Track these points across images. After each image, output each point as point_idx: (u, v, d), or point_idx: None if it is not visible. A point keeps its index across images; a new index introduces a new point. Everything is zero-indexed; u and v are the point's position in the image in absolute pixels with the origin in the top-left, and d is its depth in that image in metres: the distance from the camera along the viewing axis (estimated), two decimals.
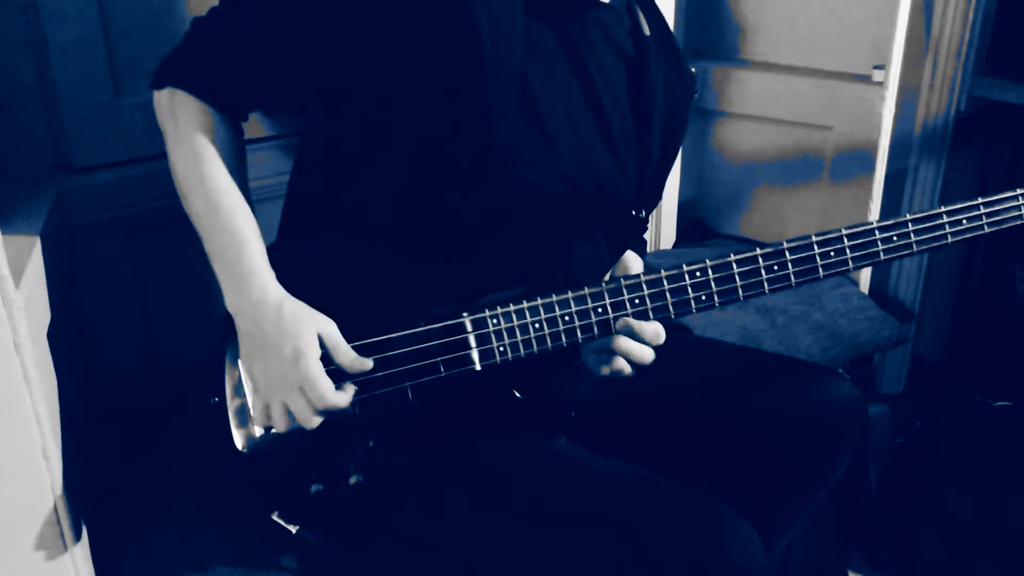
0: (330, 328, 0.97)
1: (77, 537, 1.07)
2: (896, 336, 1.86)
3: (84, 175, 1.38)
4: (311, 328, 0.95)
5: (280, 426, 0.98)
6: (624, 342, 1.01)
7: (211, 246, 1.01)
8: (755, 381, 1.18)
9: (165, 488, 1.28)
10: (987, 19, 1.98)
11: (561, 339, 1.01)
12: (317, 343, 0.95)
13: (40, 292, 1.10)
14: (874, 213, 1.99)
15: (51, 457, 1.02)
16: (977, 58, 1.98)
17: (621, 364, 1.02)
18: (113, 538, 1.21)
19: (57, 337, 1.13)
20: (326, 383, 0.95)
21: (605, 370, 1.03)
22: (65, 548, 1.05)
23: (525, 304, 1.00)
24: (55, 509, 1.03)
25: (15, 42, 1.29)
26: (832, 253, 1.02)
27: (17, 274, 1.00)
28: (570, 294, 1.01)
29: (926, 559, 1.76)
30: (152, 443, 1.37)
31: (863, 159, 1.97)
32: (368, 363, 0.98)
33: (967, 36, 1.92)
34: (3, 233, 1.01)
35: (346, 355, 0.97)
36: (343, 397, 0.96)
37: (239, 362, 1.02)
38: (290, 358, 0.94)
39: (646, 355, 1.01)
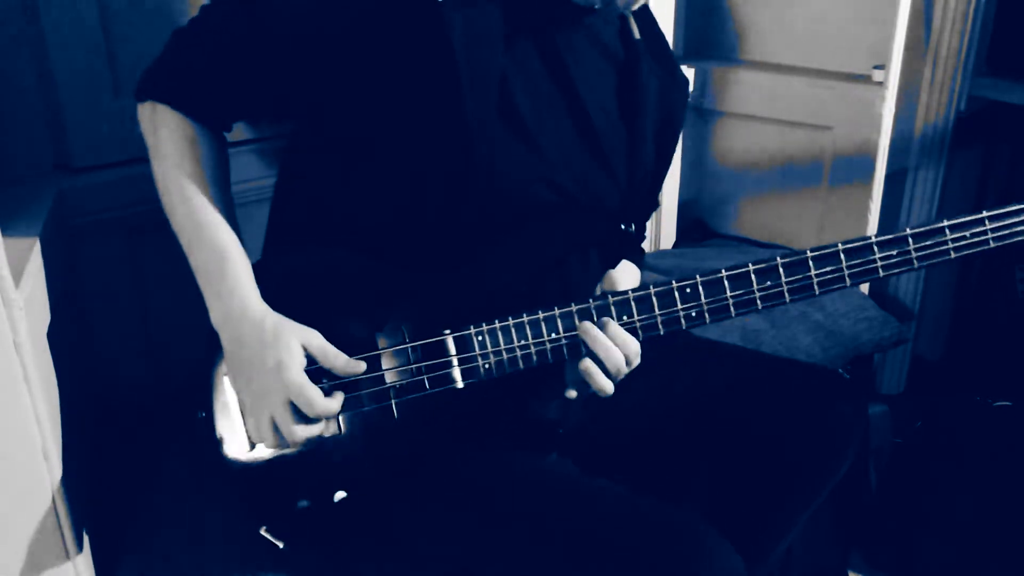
0: (314, 337, 0.96)
1: (77, 537, 1.07)
2: (896, 336, 1.86)
3: (84, 175, 1.38)
4: (294, 339, 0.95)
5: (269, 442, 0.98)
6: (590, 328, 0.97)
7: (194, 261, 1.00)
8: (754, 382, 1.18)
9: (165, 488, 1.28)
10: (987, 19, 1.98)
11: (547, 356, 1.00)
12: (300, 353, 0.95)
13: (40, 292, 1.10)
14: (874, 213, 1.99)
15: (51, 457, 1.02)
16: (977, 58, 1.98)
17: (587, 364, 0.97)
18: (113, 538, 1.21)
19: (57, 337, 1.13)
20: (313, 389, 0.94)
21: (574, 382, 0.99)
22: (65, 548, 1.05)
23: (511, 321, 0.99)
24: (55, 509, 1.03)
25: (15, 42, 1.29)
26: (829, 269, 0.98)
27: (17, 274, 1.00)
28: (556, 310, 0.99)
29: (926, 559, 1.76)
30: (152, 443, 1.37)
31: (863, 159, 1.97)
32: (361, 365, 0.97)
33: (967, 36, 1.92)
34: (3, 233, 1.01)
35: (337, 358, 0.96)
36: (333, 403, 0.96)
37: (225, 378, 1.02)
38: (273, 371, 0.93)
39: (611, 352, 0.96)
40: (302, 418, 0.95)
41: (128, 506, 1.26)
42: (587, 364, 0.97)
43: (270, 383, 0.94)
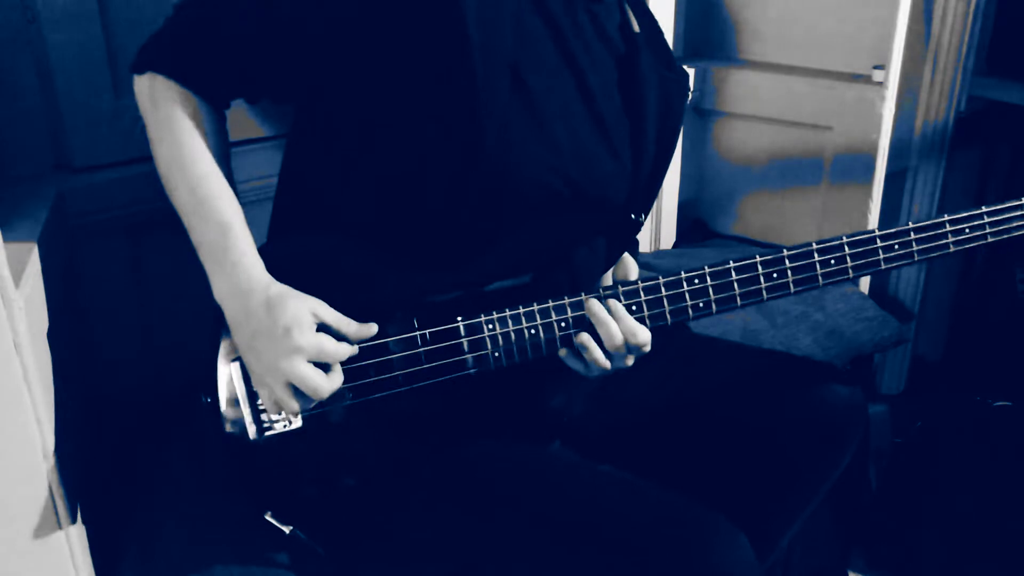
0: (322, 307, 0.96)
1: (77, 537, 1.07)
2: (896, 336, 1.86)
3: (84, 175, 1.38)
4: (302, 306, 0.94)
5: (289, 408, 0.96)
6: (597, 308, 0.98)
7: (196, 235, 0.99)
8: (754, 379, 1.18)
9: (165, 488, 1.28)
10: (987, 19, 1.98)
11: (557, 345, 1.01)
12: (310, 318, 0.94)
13: (40, 292, 1.10)
14: (874, 213, 1.99)
15: (51, 457, 1.02)
16: (977, 58, 1.99)
17: (584, 338, 0.99)
18: (113, 538, 1.21)
19: (57, 337, 1.13)
20: (328, 339, 0.94)
21: (563, 354, 1.01)
22: (65, 549, 1.05)
23: (521, 310, 1.00)
24: (55, 509, 1.03)
25: (15, 42, 1.29)
26: (832, 261, 1.01)
27: (17, 274, 1.00)
28: (566, 300, 1.00)
29: (926, 559, 1.76)
30: (152, 443, 1.37)
31: (863, 159, 1.97)
32: (373, 327, 0.97)
33: (967, 36, 1.92)
34: (3, 233, 1.01)
35: (348, 325, 0.96)
36: (346, 348, 0.96)
37: (231, 358, 1.01)
38: (283, 336, 0.93)
39: (613, 333, 0.98)
40: (323, 370, 0.95)
41: (128, 506, 1.26)
42: (583, 337, 0.99)
43: (281, 348, 0.93)
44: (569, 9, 1.03)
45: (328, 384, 0.95)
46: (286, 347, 0.93)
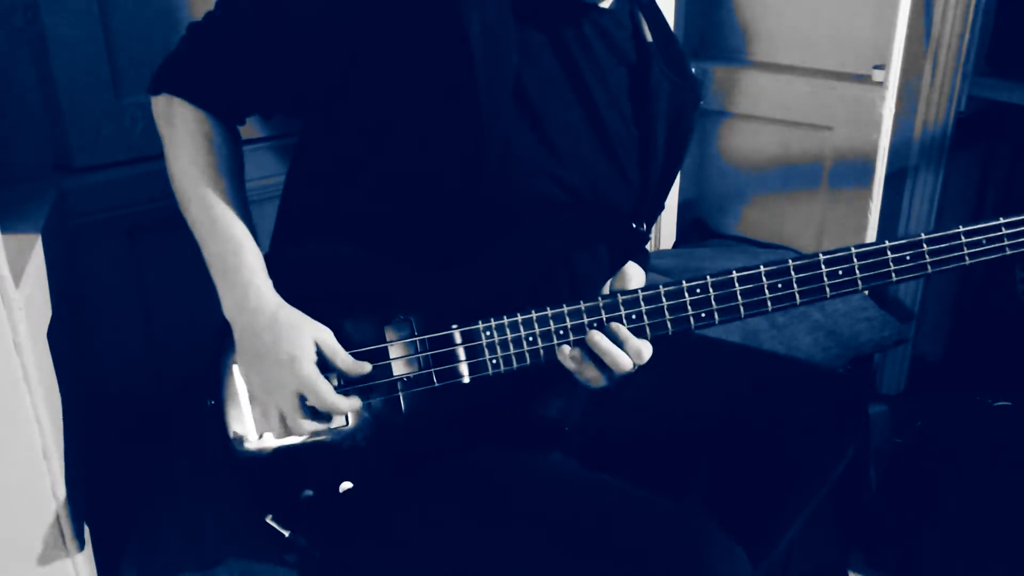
0: (326, 335, 0.97)
1: (77, 537, 1.07)
2: (896, 336, 1.86)
3: (84, 175, 1.38)
4: (307, 335, 0.96)
5: (275, 432, 0.99)
6: (599, 339, 0.97)
7: (208, 253, 1.01)
8: (754, 381, 1.18)
9: (165, 488, 1.28)
10: (987, 19, 1.98)
11: (555, 353, 1.00)
12: (313, 349, 0.96)
13: (40, 292, 1.10)
14: (874, 213, 1.99)
15: (51, 457, 1.02)
16: (977, 58, 1.98)
17: (590, 371, 0.99)
18: (113, 538, 1.21)
19: (57, 337, 1.13)
20: (325, 384, 0.95)
21: (572, 365, 1.00)
22: (65, 548, 1.05)
23: (519, 317, 1.00)
24: (55, 509, 1.03)
25: (15, 42, 1.29)
26: (840, 272, 0.96)
27: (17, 274, 1.00)
28: (565, 307, 0.99)
29: (926, 559, 1.76)
30: (152, 443, 1.37)
31: (863, 159, 1.97)
32: (367, 366, 0.98)
33: (967, 36, 1.92)
34: (3, 233, 1.01)
35: (344, 360, 0.97)
36: (345, 401, 0.97)
37: (235, 367, 1.02)
38: (286, 364, 0.95)
39: (620, 361, 0.98)
40: (310, 412, 0.97)
41: (128, 506, 1.26)
42: (591, 371, 0.99)
43: (282, 376, 0.95)
44: (573, 21, 1.03)
45: (309, 426, 0.97)
46: (287, 375, 0.95)
